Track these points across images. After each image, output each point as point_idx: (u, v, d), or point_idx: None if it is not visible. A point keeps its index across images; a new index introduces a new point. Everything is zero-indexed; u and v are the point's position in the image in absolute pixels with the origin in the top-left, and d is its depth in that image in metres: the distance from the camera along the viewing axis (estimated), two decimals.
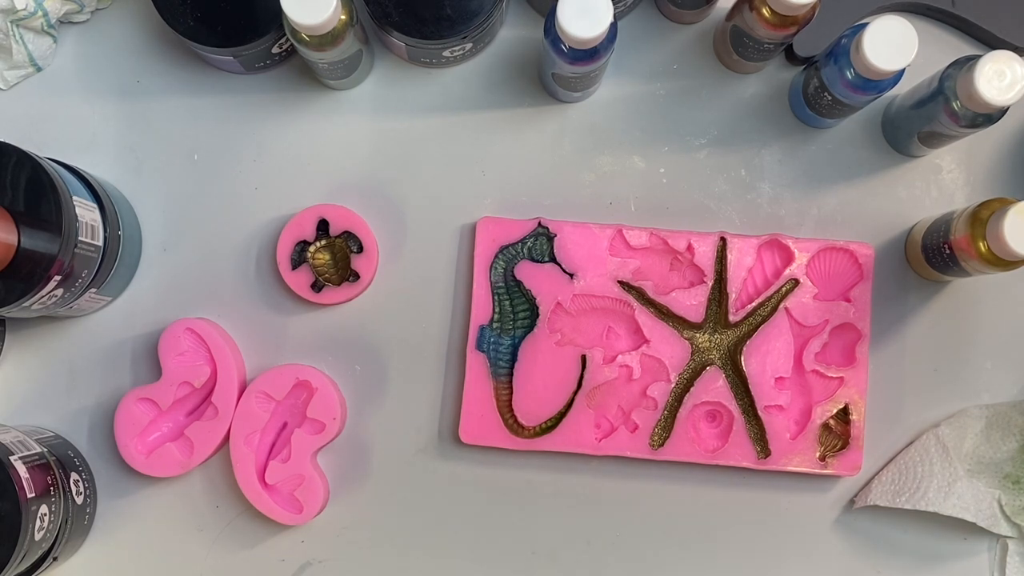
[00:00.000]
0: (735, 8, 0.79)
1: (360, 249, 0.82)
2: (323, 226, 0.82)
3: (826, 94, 0.78)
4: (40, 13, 0.80)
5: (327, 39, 0.74)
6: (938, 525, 0.82)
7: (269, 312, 0.84)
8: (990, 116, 0.74)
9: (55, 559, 0.77)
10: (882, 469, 0.83)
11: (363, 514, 0.83)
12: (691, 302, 0.82)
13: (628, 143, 0.85)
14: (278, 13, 0.73)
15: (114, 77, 0.85)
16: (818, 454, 0.81)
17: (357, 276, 0.82)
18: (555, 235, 0.82)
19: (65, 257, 0.72)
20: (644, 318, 0.81)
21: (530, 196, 0.84)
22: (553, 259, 0.82)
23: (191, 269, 0.84)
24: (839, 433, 0.81)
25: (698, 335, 0.82)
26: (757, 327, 0.82)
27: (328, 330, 0.84)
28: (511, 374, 0.81)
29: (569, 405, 0.81)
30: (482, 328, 0.81)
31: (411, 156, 0.84)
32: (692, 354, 0.82)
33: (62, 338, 0.83)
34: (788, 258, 0.82)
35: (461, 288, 0.84)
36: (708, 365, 0.82)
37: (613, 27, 0.73)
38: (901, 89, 0.79)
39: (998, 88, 0.72)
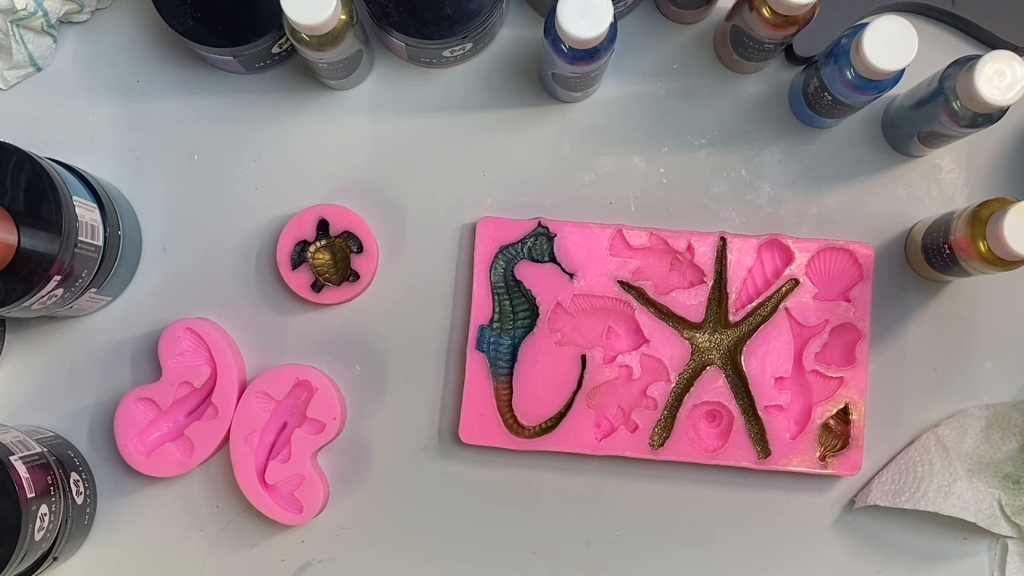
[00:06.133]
0: (735, 8, 0.79)
1: (360, 249, 0.82)
2: (323, 226, 0.82)
3: (826, 94, 0.78)
4: (40, 13, 0.80)
5: (327, 39, 0.74)
6: (938, 525, 0.82)
7: (269, 312, 0.84)
8: (990, 116, 0.74)
9: (55, 559, 0.77)
10: (882, 469, 0.83)
11: (363, 514, 0.83)
12: (691, 302, 0.82)
13: (628, 143, 0.85)
14: (278, 13, 0.73)
15: (114, 77, 0.85)
16: (818, 454, 0.81)
17: (357, 276, 0.82)
18: (555, 235, 0.82)
19: (65, 257, 0.72)
20: (644, 318, 0.81)
21: (530, 196, 0.84)
22: (553, 259, 0.82)
23: (191, 269, 0.84)
24: (839, 433, 0.81)
25: (698, 335, 0.82)
26: (757, 327, 0.82)
27: (328, 330, 0.84)
28: (511, 374, 0.81)
29: (569, 405, 0.81)
30: (482, 328, 0.81)
31: (411, 156, 0.84)
32: (692, 354, 0.82)
33: (62, 338, 0.83)
34: (788, 258, 0.82)
35: (461, 288, 0.84)
36: (708, 365, 0.82)
37: (613, 27, 0.73)
38: (901, 89, 0.79)
39: (998, 88, 0.72)
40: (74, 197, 0.73)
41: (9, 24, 0.80)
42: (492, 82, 0.85)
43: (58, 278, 0.72)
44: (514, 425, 0.81)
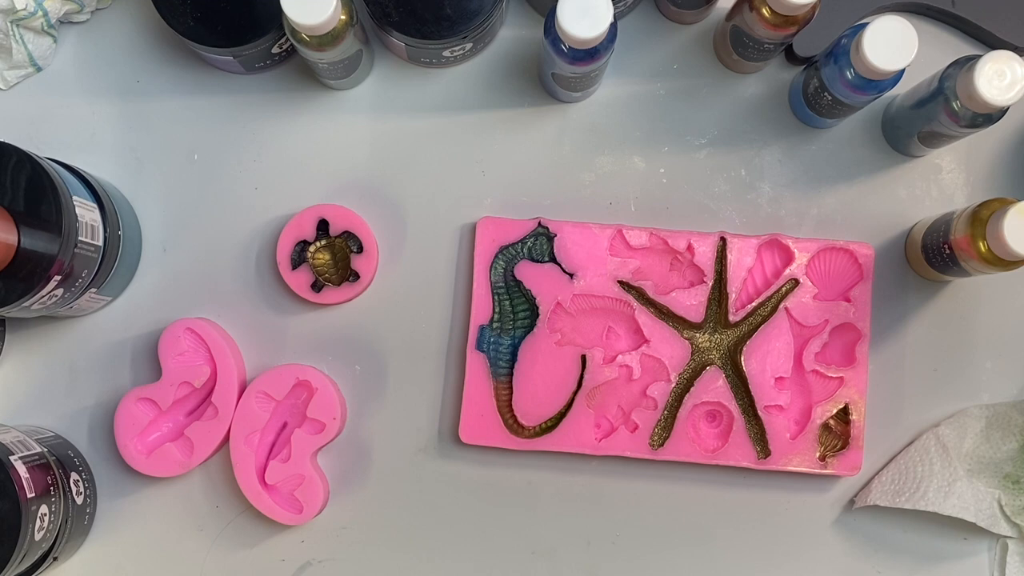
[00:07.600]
0: (735, 8, 0.79)
1: (360, 249, 0.82)
2: (323, 226, 0.82)
3: (826, 94, 0.78)
4: (40, 13, 0.80)
5: (327, 39, 0.74)
6: (938, 525, 0.82)
7: (269, 312, 0.84)
8: (990, 116, 0.74)
9: (55, 559, 0.77)
10: (882, 469, 0.83)
11: (363, 514, 0.83)
12: (691, 302, 0.82)
13: (628, 143, 0.85)
14: (278, 13, 0.73)
15: (114, 77, 0.85)
16: (818, 454, 0.81)
17: (357, 276, 0.82)
18: (555, 235, 0.82)
19: (65, 257, 0.72)
20: (644, 318, 0.81)
21: (530, 196, 0.84)
22: (553, 259, 0.82)
23: (191, 269, 0.84)
24: (839, 433, 0.81)
25: (698, 335, 0.82)
26: (757, 327, 0.82)
27: (328, 330, 0.84)
28: (511, 374, 0.81)
29: (569, 405, 0.81)
30: (482, 328, 0.81)
31: (411, 156, 0.84)
32: (692, 354, 0.82)
33: (62, 338, 0.83)
34: (788, 258, 0.82)
35: (461, 288, 0.84)
36: (708, 365, 0.82)
37: (613, 27, 0.73)
38: (901, 89, 0.79)
39: (998, 88, 0.72)
40: (74, 197, 0.73)
41: (9, 24, 0.80)
42: (492, 82, 0.85)
43: (58, 278, 0.72)
44: (514, 425, 0.81)
